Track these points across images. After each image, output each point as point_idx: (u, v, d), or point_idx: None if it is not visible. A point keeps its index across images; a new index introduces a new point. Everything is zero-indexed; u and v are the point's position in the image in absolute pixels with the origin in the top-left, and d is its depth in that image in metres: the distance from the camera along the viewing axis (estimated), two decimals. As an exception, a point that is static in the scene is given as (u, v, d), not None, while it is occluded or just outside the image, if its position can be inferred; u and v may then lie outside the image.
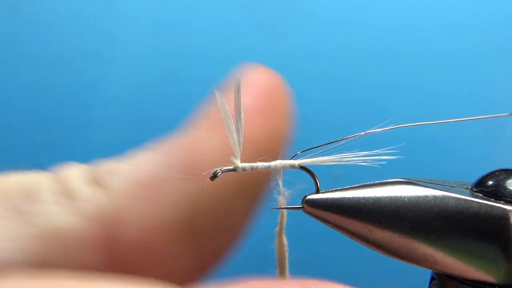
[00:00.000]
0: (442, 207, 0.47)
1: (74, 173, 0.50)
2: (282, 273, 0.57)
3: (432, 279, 0.53)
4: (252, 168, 0.52)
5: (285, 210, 0.55)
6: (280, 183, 0.53)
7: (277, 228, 0.56)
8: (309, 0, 1.22)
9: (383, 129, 0.53)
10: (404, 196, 0.48)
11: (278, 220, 0.56)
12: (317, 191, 0.51)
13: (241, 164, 0.51)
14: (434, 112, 1.16)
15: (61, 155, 1.21)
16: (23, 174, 0.50)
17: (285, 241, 0.56)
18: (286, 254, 0.57)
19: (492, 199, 0.48)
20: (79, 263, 0.47)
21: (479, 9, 1.19)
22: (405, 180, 0.50)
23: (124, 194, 0.48)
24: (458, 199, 0.48)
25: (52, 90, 1.22)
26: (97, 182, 0.50)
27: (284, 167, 0.53)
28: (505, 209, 0.47)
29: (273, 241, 0.56)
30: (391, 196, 0.48)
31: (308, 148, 0.53)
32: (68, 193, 0.48)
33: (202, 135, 0.51)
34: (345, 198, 0.49)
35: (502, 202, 0.47)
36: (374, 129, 0.53)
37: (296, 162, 0.53)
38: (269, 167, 0.53)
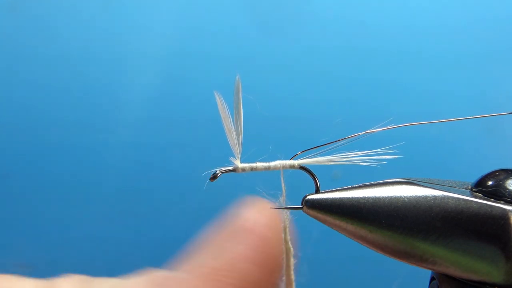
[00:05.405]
0: (442, 207, 0.47)
1: None
2: (288, 281, 0.56)
3: (432, 279, 0.53)
4: (252, 169, 0.52)
5: (288, 213, 0.55)
6: (282, 183, 0.53)
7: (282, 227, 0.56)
8: (309, 0, 1.21)
9: (383, 128, 0.53)
10: (404, 196, 0.48)
11: (282, 223, 0.55)
12: (317, 191, 0.51)
13: (240, 165, 0.51)
14: (434, 112, 1.16)
15: (60, 156, 1.21)
16: (15, 280, 0.48)
17: (290, 245, 0.55)
18: (292, 259, 0.56)
19: (492, 199, 0.48)
20: None
21: (479, 9, 1.19)
22: (405, 180, 0.50)
23: None
24: (458, 199, 0.48)
25: (52, 90, 1.22)
26: None
27: (284, 167, 0.53)
28: (505, 209, 0.47)
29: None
30: (391, 196, 0.48)
31: (308, 148, 0.53)
32: None
33: (193, 282, 0.50)
34: (345, 198, 0.49)
35: (502, 202, 0.47)
36: (374, 129, 0.53)
37: (296, 162, 0.53)
38: (269, 167, 0.53)
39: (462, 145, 1.16)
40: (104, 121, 1.21)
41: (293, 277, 0.56)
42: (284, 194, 0.53)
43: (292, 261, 0.55)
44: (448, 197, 0.48)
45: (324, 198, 0.49)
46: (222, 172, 0.51)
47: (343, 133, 0.53)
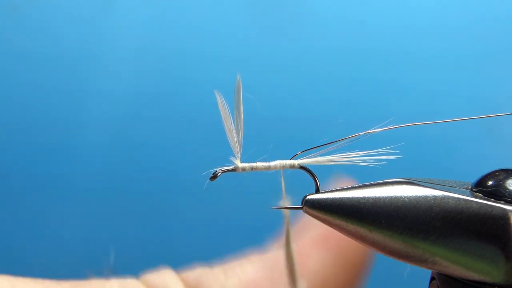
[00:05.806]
0: (442, 207, 0.47)
1: (169, 282, 0.49)
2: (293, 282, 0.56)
3: (432, 279, 0.53)
4: (252, 168, 0.52)
5: (288, 214, 0.55)
6: (282, 183, 0.53)
7: (283, 232, 0.55)
8: (309, 0, 1.21)
9: (383, 129, 0.53)
10: (404, 196, 0.48)
11: (284, 224, 0.55)
12: (317, 191, 0.51)
13: (241, 164, 0.51)
14: (434, 112, 1.16)
15: (60, 156, 1.21)
16: (116, 281, 0.49)
17: (293, 246, 0.55)
18: (295, 260, 0.56)
19: (492, 199, 0.48)
20: None
21: (479, 9, 1.19)
22: (405, 180, 0.50)
23: None
24: (458, 199, 0.48)
25: (51, 90, 1.22)
26: None
27: (284, 167, 0.53)
28: (505, 209, 0.47)
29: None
30: (391, 196, 0.48)
31: (308, 148, 0.53)
32: None
33: (305, 250, 0.51)
34: (345, 198, 0.49)
35: (502, 202, 0.47)
36: (374, 129, 0.53)
37: (296, 162, 0.53)
38: (269, 167, 0.52)
39: (462, 145, 1.16)
40: (104, 121, 1.21)
41: (297, 277, 0.56)
42: (284, 194, 0.53)
43: (297, 262, 0.55)
44: (448, 197, 0.48)
45: (324, 198, 0.49)
46: (222, 172, 0.51)
47: (343, 133, 0.53)
